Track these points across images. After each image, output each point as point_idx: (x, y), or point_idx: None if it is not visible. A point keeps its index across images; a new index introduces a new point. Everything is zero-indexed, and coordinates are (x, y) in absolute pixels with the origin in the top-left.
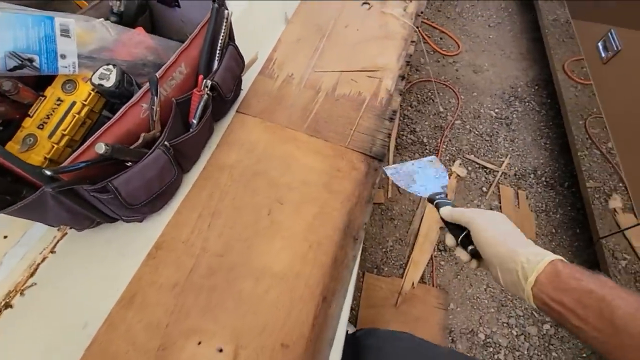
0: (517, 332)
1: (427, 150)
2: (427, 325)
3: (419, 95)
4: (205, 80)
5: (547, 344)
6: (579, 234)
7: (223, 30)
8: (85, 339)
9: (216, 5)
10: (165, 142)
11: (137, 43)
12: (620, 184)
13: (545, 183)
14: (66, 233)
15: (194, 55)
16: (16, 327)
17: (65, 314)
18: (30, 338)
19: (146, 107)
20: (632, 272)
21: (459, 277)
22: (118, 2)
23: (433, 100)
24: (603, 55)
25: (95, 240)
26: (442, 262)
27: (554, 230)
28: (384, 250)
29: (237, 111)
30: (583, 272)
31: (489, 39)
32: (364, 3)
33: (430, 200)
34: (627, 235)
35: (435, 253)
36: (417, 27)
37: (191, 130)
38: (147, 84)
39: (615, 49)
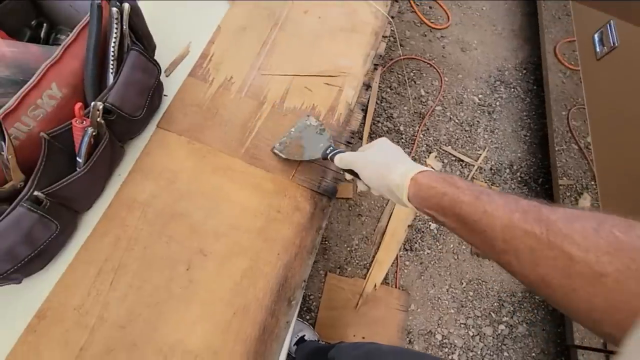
0: (473, 332)
1: (403, 140)
2: (385, 327)
3: (400, 76)
4: (93, 103)
5: (500, 344)
6: None
7: (116, 32)
8: None
9: (97, 1)
10: (36, 193)
11: None
12: (592, 182)
13: (519, 179)
14: None
15: (72, 70)
16: None
17: None
18: None
19: None
20: None
21: (422, 277)
22: None
23: (415, 82)
24: (598, 49)
25: None
26: (407, 262)
27: None
28: (348, 249)
29: (157, 126)
30: (437, 179)
31: (482, 11)
32: None
33: (324, 157)
34: None
35: (401, 253)
36: (392, 17)
37: (77, 170)
38: None
39: (612, 44)
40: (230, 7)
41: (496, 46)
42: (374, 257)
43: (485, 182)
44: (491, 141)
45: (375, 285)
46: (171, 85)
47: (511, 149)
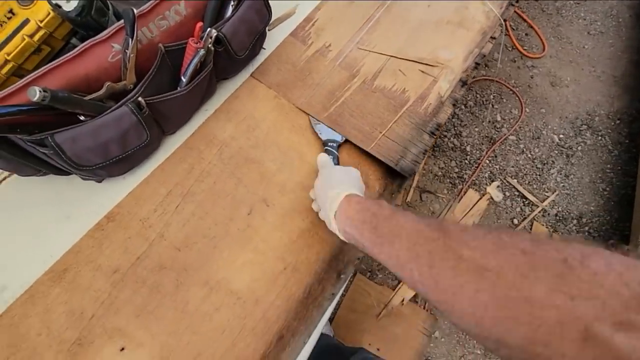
0: None
1: (466, 160)
2: (403, 346)
3: (478, 95)
4: (208, 30)
5: None
6: None
7: None
8: (0, 304)
9: None
10: (140, 99)
11: None
12: None
13: (587, 233)
14: (6, 176)
15: None
16: None
17: None
18: None
19: (118, 49)
20: None
21: None
22: None
23: (493, 106)
24: None
25: (39, 191)
26: None
27: None
28: None
29: (251, 75)
30: (368, 200)
31: (582, 49)
32: None
33: (324, 143)
34: None
35: None
36: (505, 21)
37: (178, 89)
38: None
39: None
40: None
41: (591, 89)
42: None
43: (547, 228)
44: (563, 186)
45: (403, 300)
46: (271, 41)
47: (584, 199)
